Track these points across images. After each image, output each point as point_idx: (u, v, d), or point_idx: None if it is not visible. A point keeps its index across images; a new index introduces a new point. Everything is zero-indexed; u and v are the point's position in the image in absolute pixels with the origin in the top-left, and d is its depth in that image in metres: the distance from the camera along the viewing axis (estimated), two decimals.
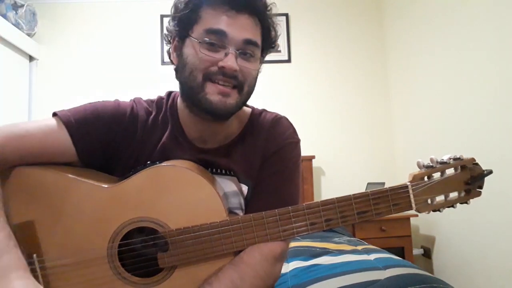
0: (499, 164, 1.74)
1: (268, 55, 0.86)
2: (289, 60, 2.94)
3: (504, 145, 1.74)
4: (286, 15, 2.97)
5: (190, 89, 0.77)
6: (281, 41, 2.94)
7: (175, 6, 0.79)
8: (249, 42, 0.76)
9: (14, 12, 2.55)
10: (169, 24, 0.82)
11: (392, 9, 2.88)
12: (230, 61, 0.74)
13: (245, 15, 0.76)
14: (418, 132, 2.55)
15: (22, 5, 2.60)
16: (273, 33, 0.83)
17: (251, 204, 0.85)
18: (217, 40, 0.74)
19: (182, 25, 0.78)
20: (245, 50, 0.76)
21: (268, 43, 0.84)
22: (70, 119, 0.77)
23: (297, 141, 0.89)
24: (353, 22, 3.01)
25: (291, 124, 0.90)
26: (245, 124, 0.88)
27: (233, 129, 0.88)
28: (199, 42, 0.75)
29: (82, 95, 2.77)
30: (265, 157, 0.85)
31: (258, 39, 0.78)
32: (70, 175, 0.75)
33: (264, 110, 0.92)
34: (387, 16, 2.96)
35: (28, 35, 2.66)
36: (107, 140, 0.80)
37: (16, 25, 2.55)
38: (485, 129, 1.86)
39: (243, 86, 0.77)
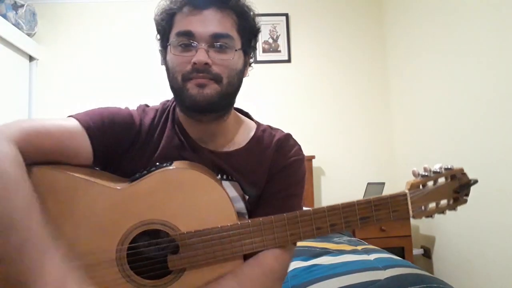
0: (499, 165, 1.75)
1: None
2: (289, 60, 2.94)
3: (504, 145, 1.75)
4: (286, 15, 2.97)
5: (175, 91, 0.81)
6: (281, 41, 2.95)
7: (155, 20, 0.85)
8: (217, 36, 0.78)
9: (14, 12, 2.54)
10: (155, 38, 0.87)
11: (393, 9, 2.88)
12: (200, 55, 0.76)
13: (210, 11, 0.79)
14: (418, 132, 2.56)
15: (22, 5, 2.59)
16: (249, 18, 0.84)
17: (255, 215, 0.85)
18: (186, 41, 0.78)
19: (162, 36, 0.85)
20: (216, 43, 0.78)
21: (248, 30, 0.85)
22: (89, 122, 0.78)
23: (303, 158, 0.92)
24: (353, 22, 3.02)
25: (296, 142, 0.93)
26: (251, 137, 0.91)
27: (236, 136, 0.90)
28: (173, 46, 0.80)
29: (82, 95, 2.77)
30: (272, 173, 0.87)
31: (229, 30, 0.80)
32: (80, 176, 0.74)
33: (269, 127, 0.95)
34: (388, 16, 2.97)
35: (28, 35, 2.65)
36: (119, 145, 0.82)
37: (16, 25, 2.54)
38: (485, 129, 1.87)
39: (220, 77, 0.79)
